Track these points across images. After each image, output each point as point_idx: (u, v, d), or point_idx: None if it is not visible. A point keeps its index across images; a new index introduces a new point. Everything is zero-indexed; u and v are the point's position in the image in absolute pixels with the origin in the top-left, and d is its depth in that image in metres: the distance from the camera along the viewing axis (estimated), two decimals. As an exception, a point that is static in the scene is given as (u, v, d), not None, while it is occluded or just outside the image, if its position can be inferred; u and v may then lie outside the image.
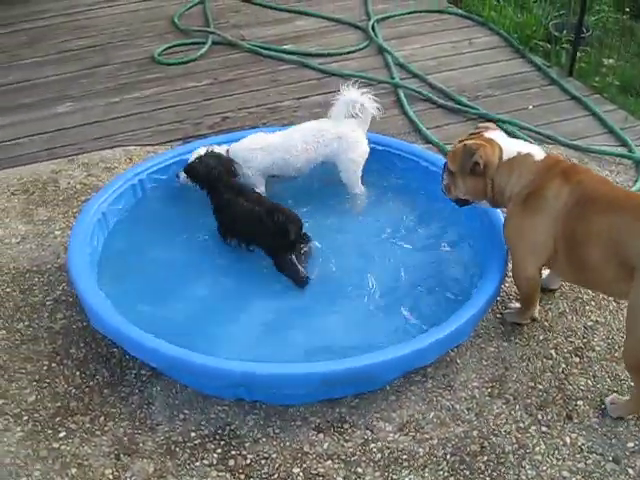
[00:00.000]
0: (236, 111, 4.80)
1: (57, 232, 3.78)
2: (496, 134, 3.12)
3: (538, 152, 3.02)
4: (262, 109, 4.82)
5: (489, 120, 4.52)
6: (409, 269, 3.37)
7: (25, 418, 2.88)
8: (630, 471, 2.69)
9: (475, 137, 3.10)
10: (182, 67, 5.28)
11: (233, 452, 2.75)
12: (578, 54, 5.12)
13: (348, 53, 5.38)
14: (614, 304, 3.33)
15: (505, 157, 2.99)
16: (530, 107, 4.74)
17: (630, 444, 2.77)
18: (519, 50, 5.35)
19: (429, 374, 3.02)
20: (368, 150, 3.73)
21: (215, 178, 3.49)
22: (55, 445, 2.79)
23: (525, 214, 2.93)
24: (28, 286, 3.46)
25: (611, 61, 5.30)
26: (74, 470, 2.70)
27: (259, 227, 3.31)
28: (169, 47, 5.46)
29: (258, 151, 3.69)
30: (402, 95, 4.81)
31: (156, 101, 4.92)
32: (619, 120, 4.60)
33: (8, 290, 3.44)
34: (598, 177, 3.07)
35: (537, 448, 2.76)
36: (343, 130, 3.68)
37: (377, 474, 2.67)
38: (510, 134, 4.40)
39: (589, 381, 3.00)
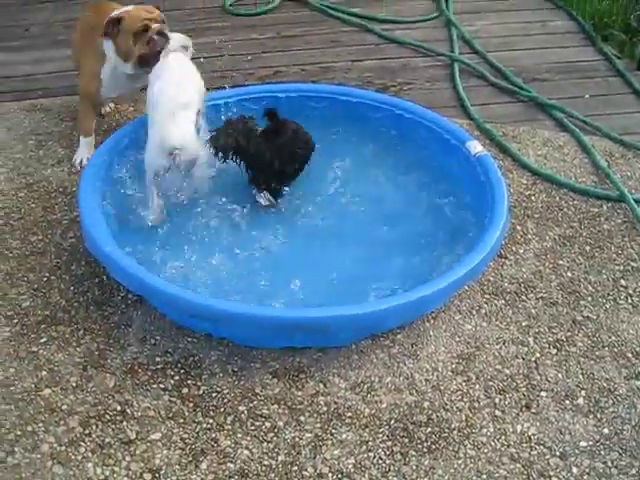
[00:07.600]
0: (289, 66, 4.85)
1: (90, 158, 3.97)
2: None
3: None
4: (315, 67, 4.85)
5: (538, 104, 4.41)
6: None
7: (15, 320, 3.09)
8: (574, 470, 2.60)
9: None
10: (249, 19, 5.39)
11: (189, 381, 2.86)
12: (654, 48, 4.86)
13: (415, 22, 5.32)
14: (611, 302, 3.22)
15: None
16: (586, 96, 4.54)
17: (583, 443, 2.69)
18: (591, 38, 5.11)
19: (398, 340, 3.02)
20: None
21: None
22: (34, 349, 2.97)
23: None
24: (51, 204, 3.68)
25: (687, 59, 4.98)
26: (44, 373, 2.89)
27: None
28: (241, -2, 5.55)
29: None
30: (456, 69, 4.73)
31: (217, 48, 5.03)
32: (679, 122, 4.35)
33: (32, 206, 3.67)
34: None
35: (484, 430, 2.72)
36: None
37: (317, 425, 2.71)
38: (558, 120, 4.30)
39: (560, 374, 2.91)
